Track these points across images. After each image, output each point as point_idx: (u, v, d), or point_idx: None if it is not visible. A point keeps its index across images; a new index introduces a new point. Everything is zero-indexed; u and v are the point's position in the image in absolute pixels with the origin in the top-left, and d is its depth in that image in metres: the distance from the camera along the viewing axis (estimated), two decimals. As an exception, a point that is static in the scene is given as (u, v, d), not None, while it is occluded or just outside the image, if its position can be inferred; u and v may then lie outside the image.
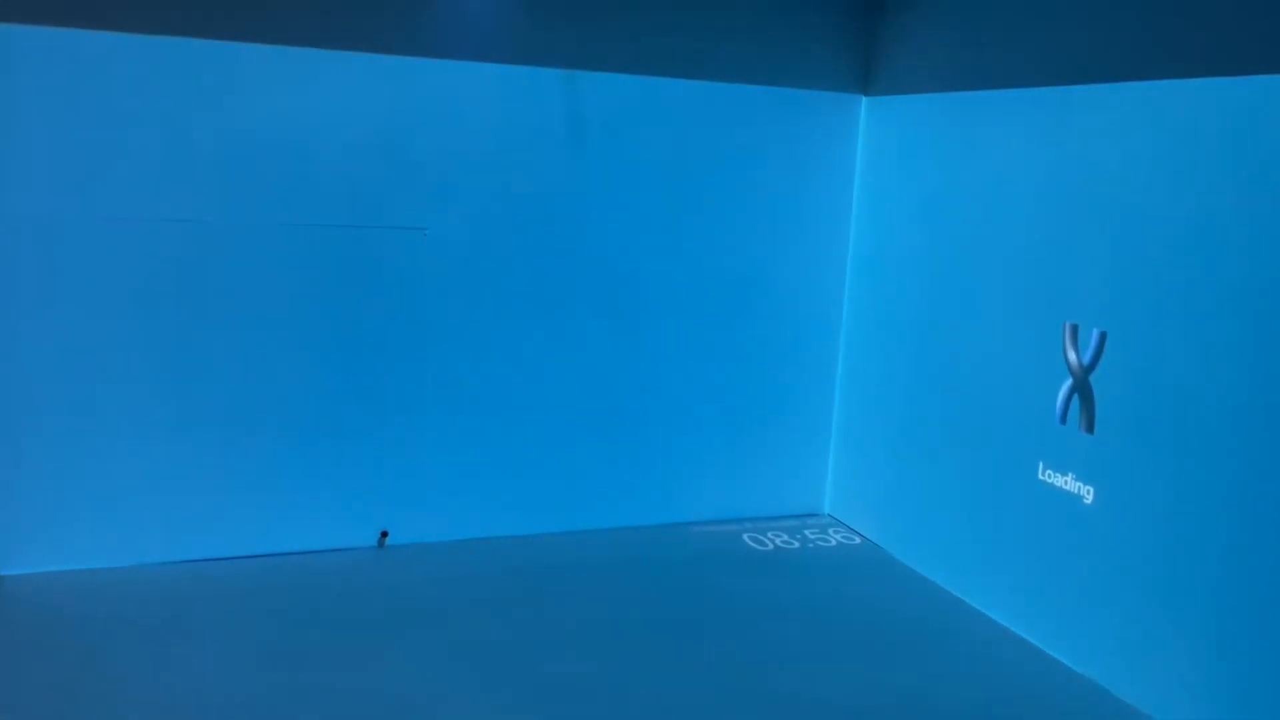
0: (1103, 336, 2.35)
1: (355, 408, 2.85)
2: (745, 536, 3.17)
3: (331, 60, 2.68)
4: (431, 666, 2.28)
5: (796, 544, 3.14)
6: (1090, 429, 2.38)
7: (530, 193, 2.93)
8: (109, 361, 2.61)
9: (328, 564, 2.80)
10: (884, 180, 3.14)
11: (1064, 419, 2.45)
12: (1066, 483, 2.45)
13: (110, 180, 2.55)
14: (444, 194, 2.84)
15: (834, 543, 3.18)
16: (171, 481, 2.71)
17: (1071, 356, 2.43)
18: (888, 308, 3.12)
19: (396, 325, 2.85)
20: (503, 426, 3.01)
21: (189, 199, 2.62)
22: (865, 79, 3.19)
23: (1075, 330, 2.42)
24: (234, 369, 2.72)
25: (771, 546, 3.11)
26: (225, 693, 2.12)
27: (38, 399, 2.57)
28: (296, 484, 2.82)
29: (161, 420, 2.68)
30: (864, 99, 3.20)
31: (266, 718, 2.04)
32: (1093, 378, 2.38)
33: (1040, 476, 2.52)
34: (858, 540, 3.20)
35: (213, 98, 2.60)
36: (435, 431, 2.94)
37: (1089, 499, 2.38)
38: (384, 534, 2.92)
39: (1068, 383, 2.44)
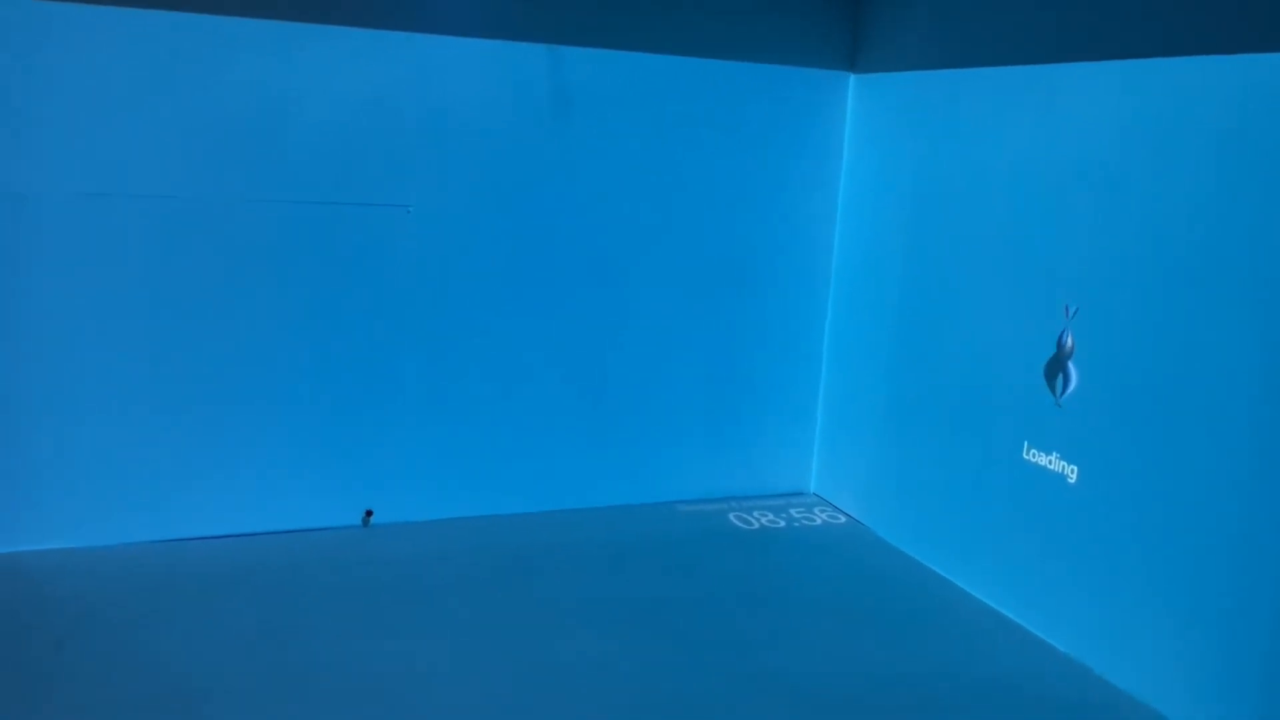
0: (1074, 313, 2.34)
1: (338, 387, 2.83)
2: (731, 515, 3.17)
3: (313, 34, 2.64)
4: (415, 644, 2.28)
5: (782, 523, 3.15)
6: (1060, 404, 2.39)
7: (513, 170, 2.90)
8: (87, 339, 2.58)
9: (312, 543, 2.78)
10: (872, 159, 3.12)
11: (1057, 399, 2.45)
12: (1051, 462, 2.45)
13: (84, 155, 2.51)
14: (427, 171, 2.82)
15: (819, 522, 3.18)
16: (153, 460, 2.68)
17: (1068, 339, 2.41)
18: (874, 287, 3.11)
19: (379, 303, 2.83)
20: (486, 406, 2.99)
21: (168, 174, 2.58)
22: (853, 56, 3.16)
23: (1068, 310, 2.41)
24: (215, 347, 2.70)
25: (757, 525, 3.11)
26: (210, 672, 2.11)
27: (16, 376, 2.54)
28: (280, 463, 2.80)
29: (142, 398, 2.65)
30: (851, 76, 3.18)
31: (252, 697, 2.03)
32: (1075, 359, 2.37)
33: (1025, 456, 2.52)
34: (843, 519, 3.20)
35: (190, 71, 2.56)
36: (418, 411, 2.92)
37: (1073, 478, 2.39)
38: (368, 513, 2.91)
39: (1070, 362, 2.42)
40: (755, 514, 3.20)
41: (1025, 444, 2.52)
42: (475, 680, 2.15)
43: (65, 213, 2.51)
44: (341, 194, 2.74)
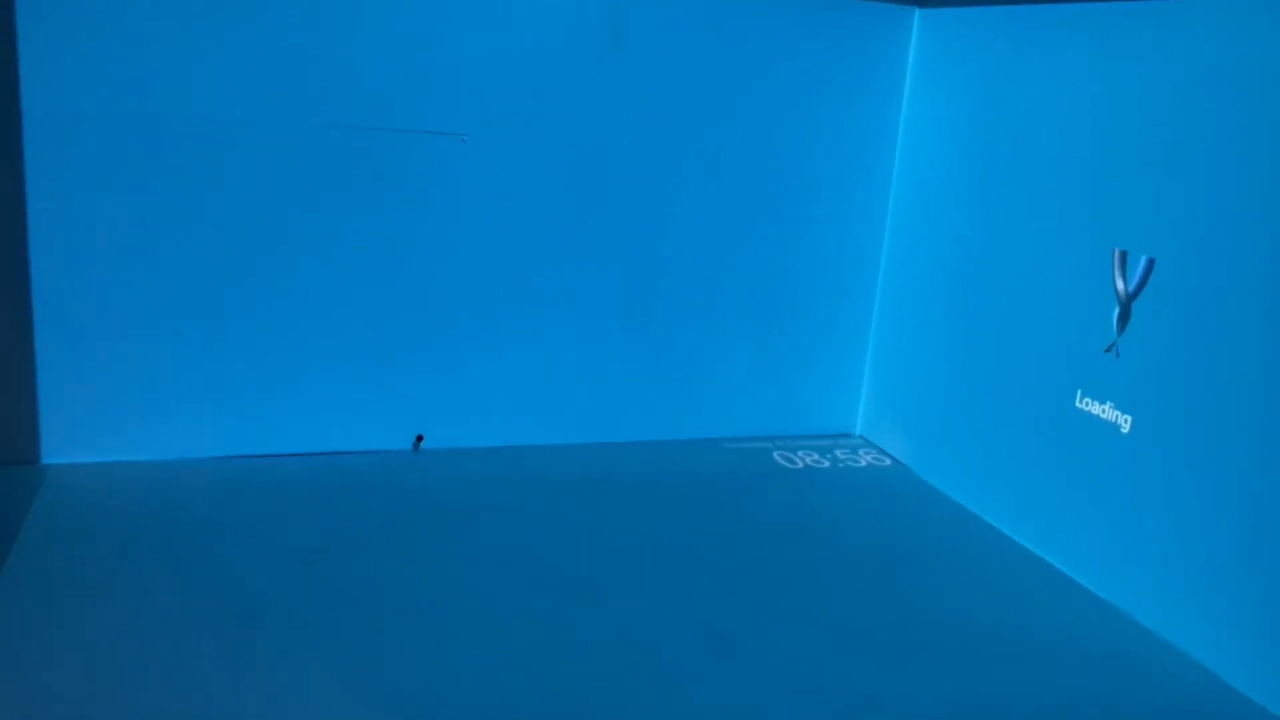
0: (1150, 263, 2.29)
1: (392, 312, 2.86)
2: (775, 454, 3.18)
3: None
4: (458, 566, 2.33)
5: (826, 463, 3.15)
6: (1117, 354, 2.34)
7: (568, 100, 2.88)
8: (154, 258, 2.63)
9: (364, 464, 2.84)
10: (935, 94, 3.06)
11: (1109, 347, 2.41)
12: (1104, 411, 2.42)
13: (150, 76, 2.53)
14: (482, 100, 2.80)
15: (864, 463, 3.18)
16: (212, 379, 2.74)
17: (1119, 283, 2.38)
18: (932, 228, 3.06)
19: (433, 231, 2.85)
20: (536, 337, 3.01)
21: (228, 97, 2.60)
22: (920, -10, 3.09)
23: (1124, 256, 2.37)
24: (273, 270, 2.73)
25: (801, 465, 3.12)
26: (262, 586, 2.18)
27: (85, 293, 2.60)
28: (335, 386, 2.85)
29: (204, 318, 2.70)
30: (917, 11, 3.10)
31: (302, 611, 2.09)
32: (1136, 305, 2.33)
33: (1078, 404, 2.49)
34: (888, 462, 3.20)
35: (253, -7, 2.57)
36: (469, 339, 2.95)
37: (1126, 428, 2.36)
38: (419, 438, 2.96)
39: (1117, 310, 2.39)
40: (800, 453, 3.20)
41: (1079, 392, 2.49)
42: (515, 602, 2.20)
43: (130, 134, 2.54)
44: (397, 120, 2.75)
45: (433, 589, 2.22)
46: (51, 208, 2.52)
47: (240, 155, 2.64)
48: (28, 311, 2.56)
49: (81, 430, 2.67)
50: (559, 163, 2.92)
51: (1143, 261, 2.32)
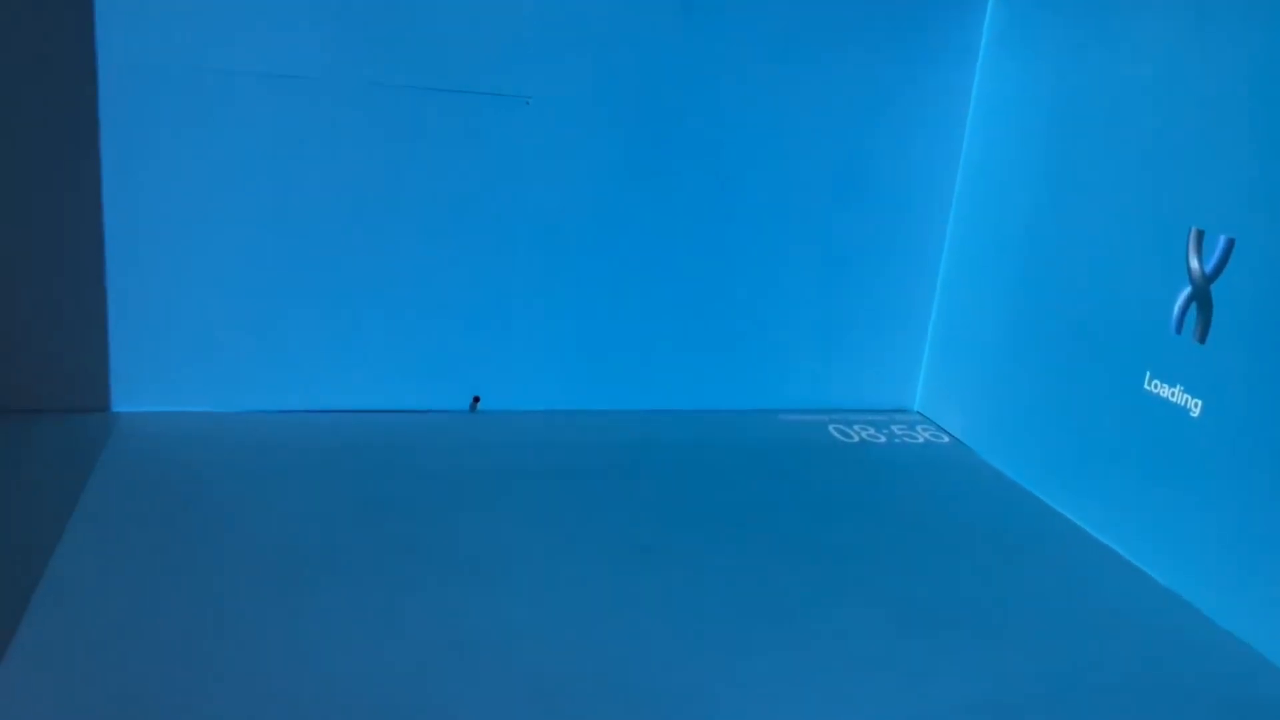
0: (1230, 244, 2.23)
1: (453, 273, 2.87)
2: (831, 428, 3.16)
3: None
4: (513, 527, 2.35)
5: (883, 438, 3.12)
6: (1203, 339, 2.28)
7: (634, 65, 2.86)
8: (218, 212, 2.66)
9: (423, 423, 2.87)
10: (1008, 68, 2.99)
11: (1179, 328, 2.35)
12: (1174, 394, 2.36)
13: (221, 33, 2.56)
14: (549, 64, 2.79)
15: (921, 440, 3.14)
16: (275, 334, 2.79)
17: (1194, 263, 2.31)
18: (1000, 202, 3.00)
19: (494, 193, 2.85)
20: (597, 301, 3.01)
21: (291, 54, 2.62)
22: (997, -42, 3.01)
23: (1200, 236, 2.30)
24: (334, 229, 2.76)
25: (857, 439, 3.10)
26: (317, 537, 2.21)
27: (154, 245, 2.64)
28: (394, 345, 2.88)
29: (269, 274, 2.74)
30: (994, -21, 3.03)
31: (356, 567, 2.12)
32: (1213, 287, 2.27)
33: (1146, 386, 2.44)
34: (946, 439, 3.16)
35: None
36: (529, 302, 2.96)
37: (1196, 412, 2.30)
38: (476, 399, 2.98)
39: (1186, 291, 2.33)
40: (856, 427, 3.18)
41: (1148, 374, 2.44)
42: (568, 564, 2.21)
43: (197, 89, 2.57)
44: (463, 82, 2.75)
45: (490, 548, 2.24)
46: (123, 163, 2.56)
47: (305, 113, 2.66)
48: (100, 266, 2.61)
49: (149, 380, 2.72)
50: (623, 127, 2.90)
51: (1221, 242, 2.25)
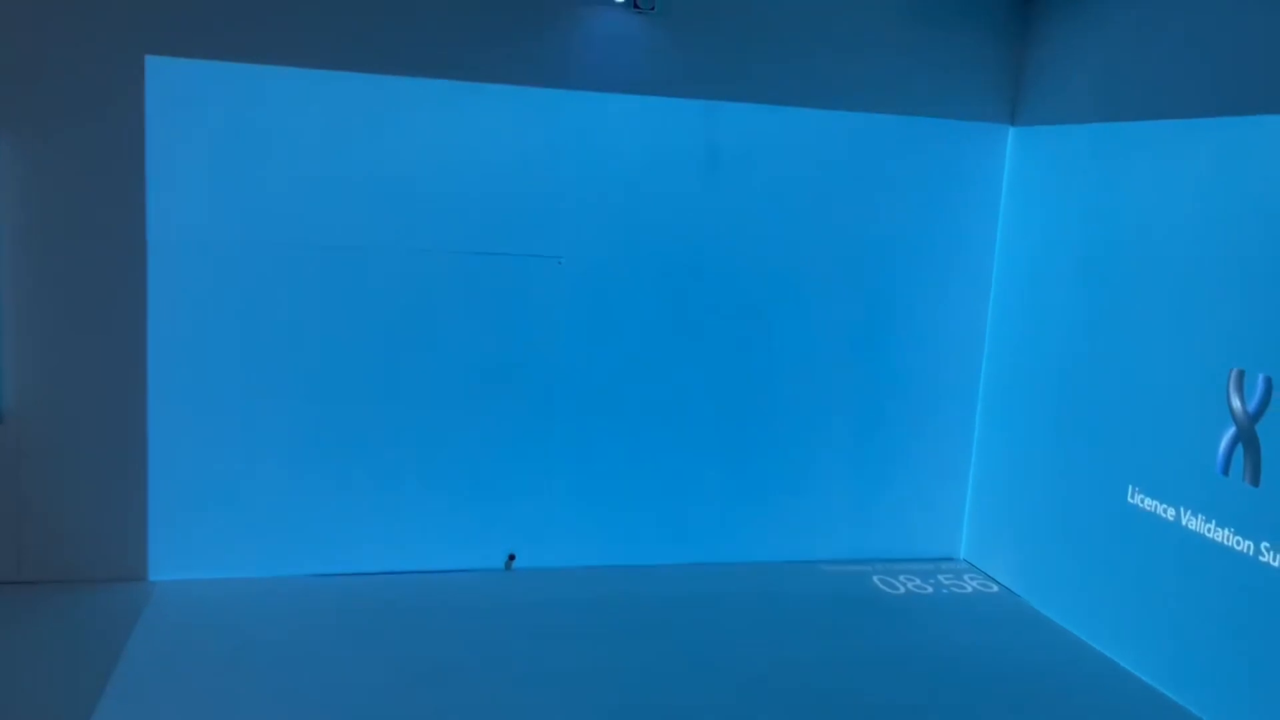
0: (1268, 383, 2.19)
1: (488, 432, 2.89)
2: (875, 578, 3.07)
3: (475, 92, 2.75)
4: (551, 689, 2.28)
5: (930, 589, 3.03)
6: (1255, 481, 2.21)
7: (664, 222, 2.93)
8: (259, 380, 2.73)
9: (457, 583, 2.84)
10: (1031, 212, 3.02)
11: (1226, 470, 2.29)
12: (1226, 537, 2.28)
13: (262, 207, 2.67)
14: (580, 223, 2.87)
15: (970, 589, 3.04)
16: (310, 499, 2.80)
17: (1235, 403, 2.27)
18: (1034, 344, 2.98)
19: (529, 353, 2.89)
20: (631, 456, 3.00)
21: (330, 225, 2.72)
22: (1014, 108, 3.08)
23: (1241, 376, 2.26)
24: (373, 391, 2.80)
25: (903, 590, 3.00)
26: (358, 702, 2.17)
27: (193, 416, 2.70)
28: (430, 506, 2.88)
29: (305, 439, 2.78)
30: (1011, 129, 3.09)
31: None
32: (1259, 427, 2.21)
33: (1198, 529, 2.36)
34: (995, 588, 3.06)
35: (362, 128, 2.70)
36: (564, 459, 2.95)
37: (1250, 553, 2.21)
38: (511, 557, 2.95)
39: (1231, 431, 2.28)
40: (901, 578, 3.09)
41: (1200, 516, 2.36)
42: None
43: (248, 260, 2.67)
44: (496, 244, 2.83)
45: (520, 710, 2.17)
46: (167, 337, 2.65)
47: (342, 282, 2.74)
48: (142, 442, 2.67)
49: (185, 548, 2.73)
50: (653, 284, 2.95)
51: (1261, 381, 2.21)
